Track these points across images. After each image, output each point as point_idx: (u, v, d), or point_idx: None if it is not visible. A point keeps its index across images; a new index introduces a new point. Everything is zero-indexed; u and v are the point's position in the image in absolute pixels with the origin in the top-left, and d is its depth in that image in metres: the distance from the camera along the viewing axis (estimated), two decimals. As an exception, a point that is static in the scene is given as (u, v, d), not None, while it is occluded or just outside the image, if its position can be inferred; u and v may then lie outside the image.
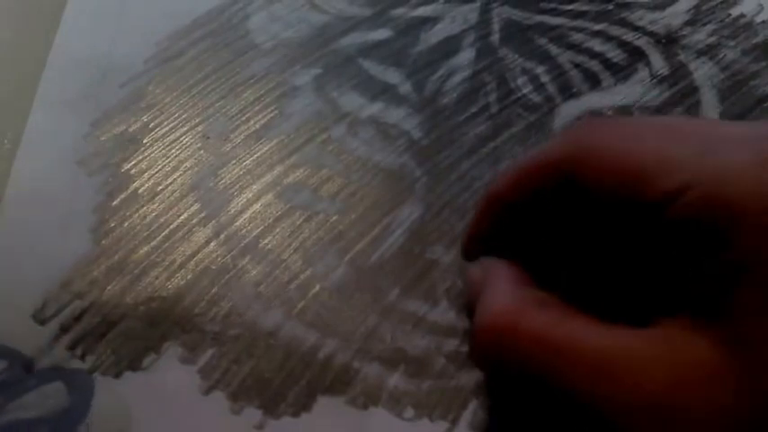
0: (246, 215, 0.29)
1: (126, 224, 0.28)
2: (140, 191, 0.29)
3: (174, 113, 0.31)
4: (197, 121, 0.31)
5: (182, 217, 0.29)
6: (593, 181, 0.22)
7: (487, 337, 0.22)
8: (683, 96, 0.33)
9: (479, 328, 0.22)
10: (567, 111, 0.32)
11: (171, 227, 0.28)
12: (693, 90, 0.33)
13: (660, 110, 0.33)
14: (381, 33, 0.35)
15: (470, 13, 0.36)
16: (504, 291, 0.23)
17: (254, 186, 0.30)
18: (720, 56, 0.34)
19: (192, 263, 0.28)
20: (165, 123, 0.31)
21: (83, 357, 0.26)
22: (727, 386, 0.19)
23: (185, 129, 0.31)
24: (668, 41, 0.35)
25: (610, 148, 0.22)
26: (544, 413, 0.21)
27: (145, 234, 0.28)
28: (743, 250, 0.19)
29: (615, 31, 0.35)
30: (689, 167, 0.20)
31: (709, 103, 0.33)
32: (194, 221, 0.29)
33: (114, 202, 0.29)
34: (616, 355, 0.20)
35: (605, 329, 0.21)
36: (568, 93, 0.33)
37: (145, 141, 0.31)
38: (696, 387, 0.19)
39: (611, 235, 0.23)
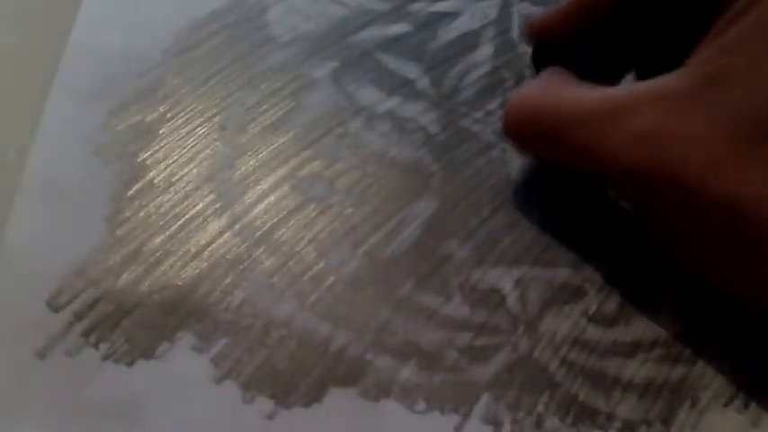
0: (261, 206, 0.29)
1: (141, 213, 0.28)
2: (156, 181, 0.29)
3: (191, 104, 0.31)
4: (214, 112, 0.31)
5: (197, 207, 0.29)
6: None
7: (513, 112, 0.27)
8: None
9: (511, 107, 0.27)
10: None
11: (186, 217, 0.28)
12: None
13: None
14: (400, 28, 0.35)
15: (490, 8, 0.36)
16: (537, 79, 0.27)
17: (270, 178, 0.30)
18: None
19: (207, 253, 0.28)
20: (182, 114, 0.31)
21: (96, 345, 0.26)
22: (700, 114, 0.22)
23: (202, 119, 0.31)
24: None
25: None
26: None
27: (160, 224, 0.28)
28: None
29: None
30: None
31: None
32: (209, 212, 0.29)
33: (130, 192, 0.29)
34: (608, 104, 0.24)
35: (606, 89, 0.25)
36: (587, 89, 0.33)
37: (161, 131, 0.31)
38: (675, 116, 0.23)
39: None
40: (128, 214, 0.28)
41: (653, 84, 0.24)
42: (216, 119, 0.31)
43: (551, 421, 0.25)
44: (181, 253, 0.28)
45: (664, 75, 0.24)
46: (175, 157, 0.30)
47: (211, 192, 0.29)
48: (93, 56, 0.32)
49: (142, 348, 0.26)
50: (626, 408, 0.25)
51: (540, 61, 0.30)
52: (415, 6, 0.35)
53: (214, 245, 0.28)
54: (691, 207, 0.23)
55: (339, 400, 0.25)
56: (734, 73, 0.22)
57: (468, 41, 0.35)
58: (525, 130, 0.27)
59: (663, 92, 0.23)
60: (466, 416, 0.25)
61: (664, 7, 0.27)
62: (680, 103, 0.23)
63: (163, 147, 0.30)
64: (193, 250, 0.28)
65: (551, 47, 0.29)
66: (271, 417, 0.25)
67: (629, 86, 0.25)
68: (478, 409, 0.25)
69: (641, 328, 0.27)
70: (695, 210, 0.23)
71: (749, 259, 0.23)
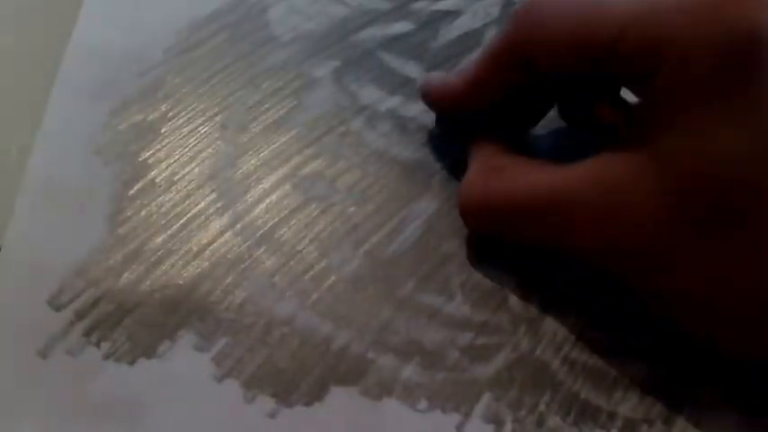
0: (263, 205, 0.29)
1: (143, 213, 0.28)
2: (158, 180, 0.29)
3: (193, 103, 0.31)
4: (215, 111, 0.31)
5: (198, 206, 0.29)
6: (549, 57, 0.25)
7: (465, 209, 0.27)
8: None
9: (461, 204, 0.27)
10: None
11: (187, 216, 0.28)
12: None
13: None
14: (402, 27, 0.35)
15: (492, 7, 0.36)
16: (474, 169, 0.28)
17: (272, 177, 0.30)
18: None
19: (208, 252, 0.28)
20: (184, 113, 0.31)
21: (98, 344, 0.26)
22: (647, 191, 0.22)
23: (203, 119, 0.31)
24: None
25: (556, 17, 0.25)
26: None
27: (161, 223, 0.28)
28: (665, 80, 0.22)
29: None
30: (627, 11, 0.23)
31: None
32: (211, 211, 0.29)
33: (131, 191, 0.29)
34: (562, 192, 0.24)
35: (554, 171, 0.25)
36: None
37: (163, 131, 0.31)
38: (623, 195, 0.23)
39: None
40: (129, 213, 0.28)
41: (600, 166, 0.24)
42: (217, 118, 0.31)
43: (553, 420, 0.25)
44: (182, 252, 0.28)
45: (608, 151, 0.24)
46: (177, 157, 0.30)
47: (213, 191, 0.29)
48: (94, 56, 0.33)
49: (143, 347, 0.26)
50: (627, 406, 0.25)
51: (444, 122, 0.31)
52: (417, 5, 0.35)
53: (215, 244, 0.28)
54: (653, 289, 0.24)
55: (341, 399, 0.25)
56: (676, 158, 0.22)
57: (469, 40, 0.35)
58: (484, 223, 0.27)
59: (609, 178, 0.24)
60: (467, 415, 0.25)
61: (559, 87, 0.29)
62: (626, 190, 0.23)
63: (164, 146, 0.30)
64: (195, 249, 0.28)
65: (454, 116, 0.30)
66: (272, 415, 0.25)
67: (578, 168, 0.25)
68: (480, 407, 0.25)
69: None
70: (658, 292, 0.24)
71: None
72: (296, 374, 0.25)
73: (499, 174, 0.27)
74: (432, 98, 0.30)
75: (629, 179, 0.23)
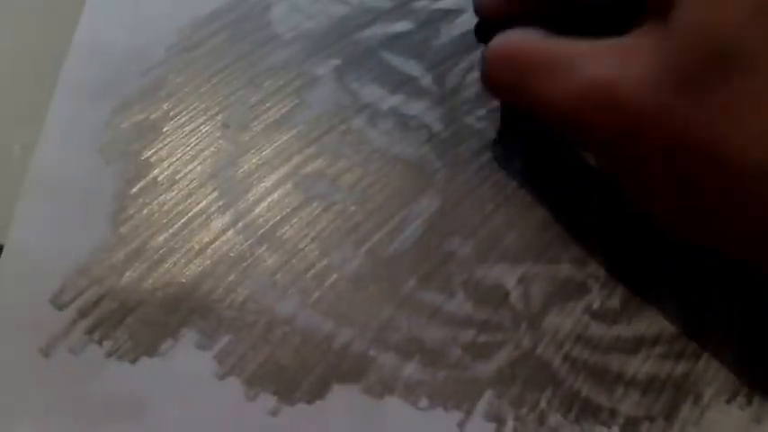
0: (264, 204, 0.29)
1: (144, 211, 0.29)
2: (159, 179, 0.29)
3: (194, 102, 0.31)
4: (217, 110, 0.31)
5: (200, 205, 0.29)
6: None
7: (493, 61, 0.28)
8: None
9: (488, 52, 0.28)
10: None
11: (189, 214, 0.29)
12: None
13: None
14: (403, 25, 0.35)
15: (492, 6, 0.36)
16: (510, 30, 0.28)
17: (273, 176, 0.30)
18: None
19: (210, 250, 0.28)
20: (185, 112, 0.31)
21: (100, 342, 0.26)
22: (652, 59, 0.23)
23: (205, 117, 0.31)
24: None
25: None
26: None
27: (163, 221, 0.28)
28: None
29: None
30: None
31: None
32: (213, 209, 0.29)
33: (133, 190, 0.29)
34: (568, 55, 0.25)
35: (579, 41, 0.26)
36: (590, 86, 0.32)
37: (165, 130, 0.31)
38: (629, 63, 0.24)
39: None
40: (131, 212, 0.28)
41: (616, 38, 0.25)
42: (219, 117, 0.31)
43: (554, 418, 0.25)
44: (184, 250, 0.28)
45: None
46: (179, 155, 0.30)
47: (214, 189, 0.29)
48: (96, 55, 0.33)
49: (146, 345, 0.26)
50: (629, 404, 0.25)
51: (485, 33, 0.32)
52: (418, 4, 0.35)
53: (217, 242, 0.28)
54: (650, 153, 0.24)
55: (342, 397, 0.25)
56: (680, 19, 0.23)
57: (471, 39, 0.34)
58: (501, 75, 0.28)
59: (620, 42, 0.24)
60: (469, 412, 0.25)
61: None
62: (634, 50, 0.24)
63: (166, 145, 0.30)
64: (196, 248, 0.28)
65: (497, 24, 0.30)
66: (274, 413, 0.25)
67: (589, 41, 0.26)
68: (481, 405, 0.25)
69: (644, 324, 0.27)
70: (655, 156, 0.24)
71: (716, 206, 0.23)
72: (298, 372, 0.25)
73: (540, 36, 0.27)
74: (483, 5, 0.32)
75: (639, 42, 0.24)
